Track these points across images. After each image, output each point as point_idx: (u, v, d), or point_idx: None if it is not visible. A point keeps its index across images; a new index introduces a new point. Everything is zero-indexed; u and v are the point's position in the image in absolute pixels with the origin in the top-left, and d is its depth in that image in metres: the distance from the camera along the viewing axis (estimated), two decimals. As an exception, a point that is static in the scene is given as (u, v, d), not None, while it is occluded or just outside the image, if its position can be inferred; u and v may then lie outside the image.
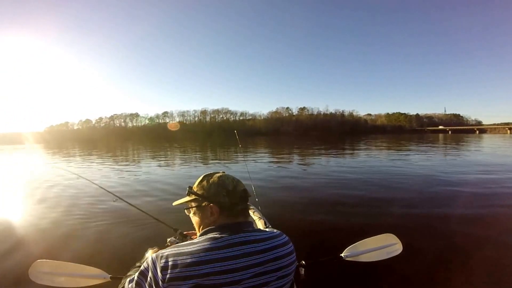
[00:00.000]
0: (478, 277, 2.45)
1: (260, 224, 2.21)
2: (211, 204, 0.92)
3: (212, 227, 0.90)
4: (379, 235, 1.60)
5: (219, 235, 0.85)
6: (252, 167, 10.04)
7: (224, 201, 0.91)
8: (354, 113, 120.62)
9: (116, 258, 2.86)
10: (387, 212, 4.35)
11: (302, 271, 1.33)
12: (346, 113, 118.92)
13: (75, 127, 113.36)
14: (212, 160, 14.23)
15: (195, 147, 26.14)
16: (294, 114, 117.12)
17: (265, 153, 17.43)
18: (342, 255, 1.51)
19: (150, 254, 0.91)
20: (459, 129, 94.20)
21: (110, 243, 3.34)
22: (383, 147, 20.51)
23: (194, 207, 0.97)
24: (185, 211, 1.00)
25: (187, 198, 1.00)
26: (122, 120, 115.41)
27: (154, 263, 0.81)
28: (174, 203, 1.06)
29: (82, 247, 3.24)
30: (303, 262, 1.36)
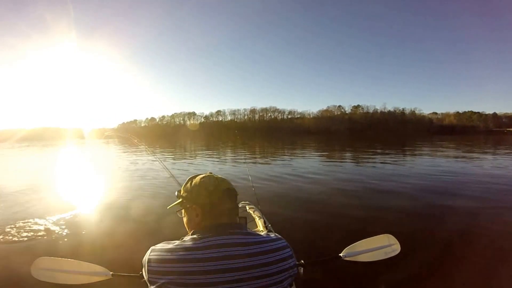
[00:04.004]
0: (476, 278, 2.38)
1: (259, 223, 2.29)
2: (194, 206, 0.93)
3: (197, 228, 0.91)
4: (377, 236, 1.61)
5: (200, 236, 0.85)
6: (275, 167, 10.20)
7: (205, 202, 0.91)
8: (417, 112, 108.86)
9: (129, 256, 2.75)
10: (386, 213, 4.32)
11: (301, 270, 1.34)
12: (407, 112, 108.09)
13: (142, 124, 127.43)
14: (252, 157, 14.66)
15: (244, 145, 27.03)
16: (347, 112, 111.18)
17: (291, 154, 17.16)
18: (341, 255, 1.52)
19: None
20: (550, 131, 76.25)
21: (125, 239, 3.34)
22: (420, 150, 18.07)
23: (181, 209, 0.99)
24: (177, 213, 1.02)
25: (177, 201, 1.01)
26: (181, 118, 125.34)
27: (148, 254, 0.86)
28: (168, 207, 1.08)
29: (89, 244, 3.27)
30: (302, 262, 1.36)
